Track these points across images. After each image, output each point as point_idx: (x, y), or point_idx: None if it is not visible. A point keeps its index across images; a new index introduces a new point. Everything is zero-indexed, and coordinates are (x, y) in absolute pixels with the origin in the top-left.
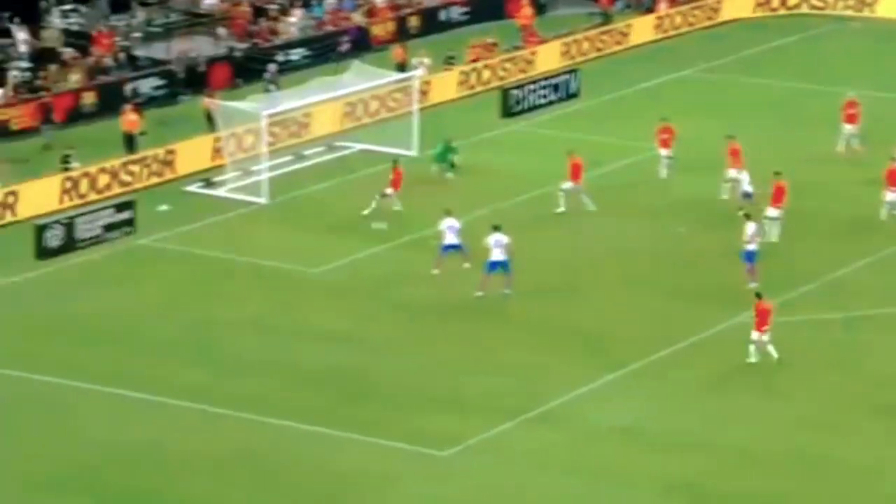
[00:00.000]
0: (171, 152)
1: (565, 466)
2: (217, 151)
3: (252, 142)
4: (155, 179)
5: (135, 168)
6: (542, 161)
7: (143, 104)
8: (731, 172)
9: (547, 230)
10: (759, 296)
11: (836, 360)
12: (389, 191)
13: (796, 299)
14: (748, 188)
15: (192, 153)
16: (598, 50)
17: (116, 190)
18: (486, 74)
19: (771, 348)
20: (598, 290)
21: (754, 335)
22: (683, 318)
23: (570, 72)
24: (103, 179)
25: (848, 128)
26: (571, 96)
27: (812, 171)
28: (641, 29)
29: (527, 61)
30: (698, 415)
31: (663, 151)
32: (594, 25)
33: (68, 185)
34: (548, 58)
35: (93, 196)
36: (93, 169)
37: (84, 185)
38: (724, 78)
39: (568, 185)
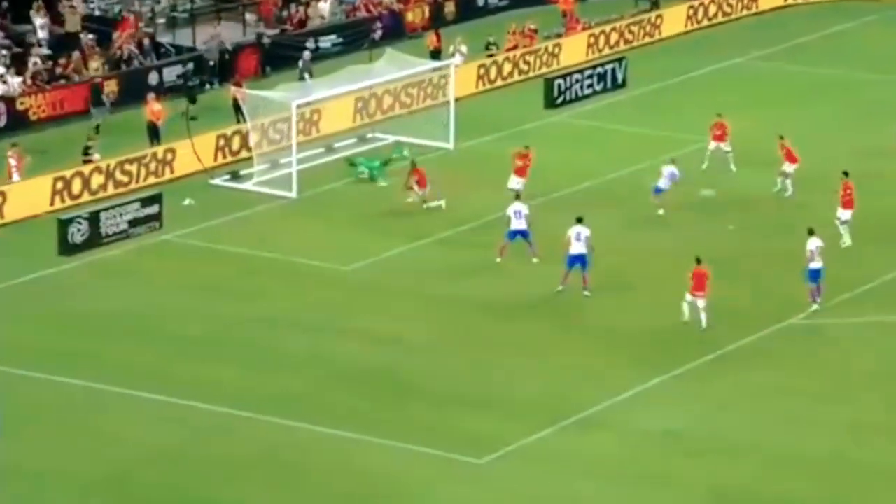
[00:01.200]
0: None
1: (609, 473)
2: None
3: (280, 133)
4: (152, 179)
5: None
6: (588, 154)
7: (168, 91)
8: (786, 167)
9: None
10: (698, 261)
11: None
12: (414, 193)
13: (857, 299)
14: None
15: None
16: (649, 36)
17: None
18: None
19: (703, 316)
20: (648, 289)
21: (688, 297)
22: (731, 320)
23: (617, 60)
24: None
25: None
26: (618, 86)
27: (869, 164)
28: (683, 16)
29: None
30: (747, 419)
31: (722, 145)
32: (641, 11)
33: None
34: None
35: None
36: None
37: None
38: (775, 66)
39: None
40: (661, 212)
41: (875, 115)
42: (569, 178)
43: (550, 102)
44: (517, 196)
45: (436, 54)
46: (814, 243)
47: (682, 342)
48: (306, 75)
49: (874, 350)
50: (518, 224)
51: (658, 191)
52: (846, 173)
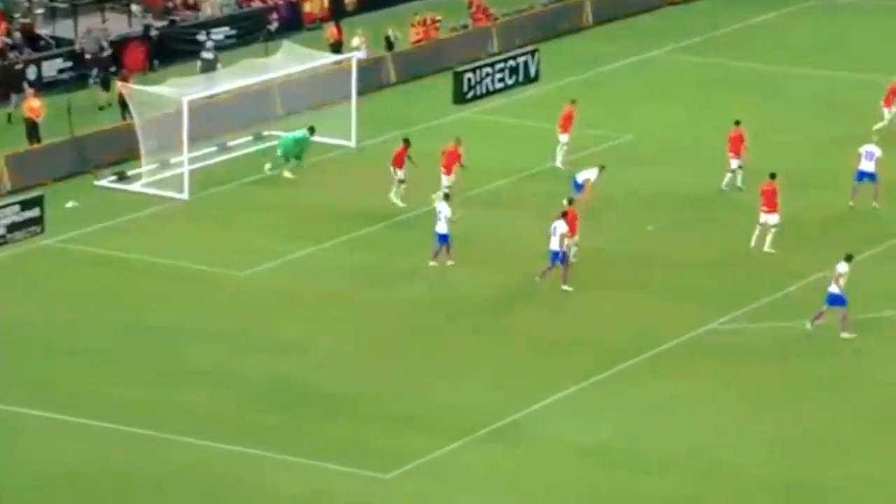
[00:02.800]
0: None
1: (521, 489)
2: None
3: (170, 131)
4: None
5: None
6: (499, 151)
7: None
8: (732, 162)
9: (510, 227)
10: (565, 211)
11: (825, 371)
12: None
13: (778, 304)
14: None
15: None
16: (558, 27)
17: None
18: None
19: (567, 287)
20: (561, 292)
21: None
22: (654, 323)
23: (529, 53)
24: None
25: (887, 112)
26: (530, 80)
27: (789, 163)
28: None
29: None
30: (666, 429)
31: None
32: (552, 1)
33: None
34: None
35: None
36: None
37: None
38: (691, 59)
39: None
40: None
41: (793, 111)
42: (480, 176)
43: (460, 97)
44: (446, 197)
45: (336, 47)
46: (842, 267)
47: (598, 350)
48: (219, 66)
49: (795, 356)
50: (440, 227)
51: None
52: (773, 175)
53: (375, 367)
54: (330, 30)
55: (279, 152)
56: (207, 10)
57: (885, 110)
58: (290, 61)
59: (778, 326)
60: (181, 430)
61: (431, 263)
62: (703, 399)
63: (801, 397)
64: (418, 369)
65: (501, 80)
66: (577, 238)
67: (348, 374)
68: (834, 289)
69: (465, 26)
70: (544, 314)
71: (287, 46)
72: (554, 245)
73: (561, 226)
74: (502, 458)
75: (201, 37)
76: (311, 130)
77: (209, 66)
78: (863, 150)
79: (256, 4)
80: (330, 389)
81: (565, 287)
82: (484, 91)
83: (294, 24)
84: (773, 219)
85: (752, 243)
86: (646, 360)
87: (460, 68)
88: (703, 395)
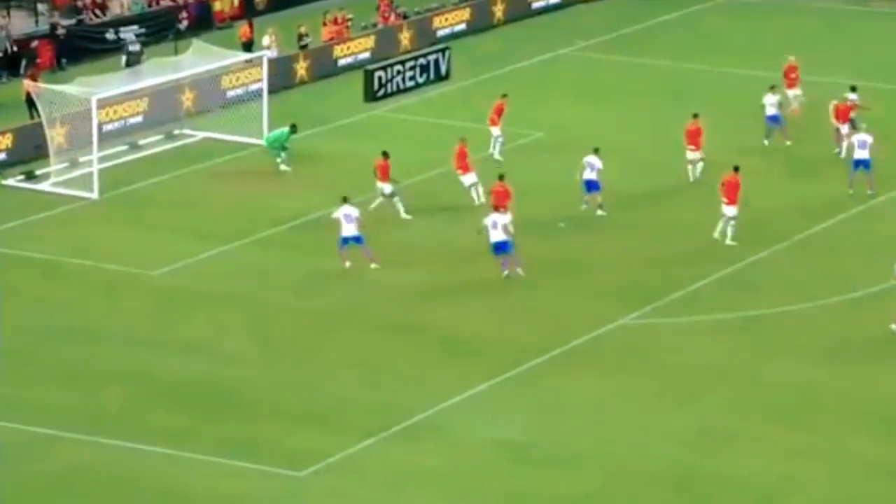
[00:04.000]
0: None
1: (438, 484)
2: None
3: (79, 129)
4: None
5: None
6: (409, 149)
7: None
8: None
9: (420, 225)
10: (501, 177)
11: (729, 365)
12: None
13: (688, 298)
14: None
15: None
16: (470, 24)
17: None
18: None
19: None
20: (473, 290)
21: (491, 218)
22: (564, 320)
23: (440, 51)
24: None
25: (791, 92)
26: (441, 78)
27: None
28: (520, 2)
29: None
30: (581, 424)
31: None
32: (463, 0)
33: None
34: None
35: None
36: None
37: None
38: (603, 57)
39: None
40: (600, 212)
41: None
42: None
43: (371, 95)
44: (344, 199)
45: (248, 46)
46: None
47: (509, 347)
48: (144, 58)
49: (707, 350)
50: (349, 230)
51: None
52: (736, 168)
53: (286, 366)
54: (241, 28)
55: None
56: (116, 9)
57: (788, 91)
58: (200, 60)
59: (684, 322)
60: (89, 429)
61: (347, 265)
62: (611, 395)
63: (704, 393)
64: (329, 368)
65: (412, 78)
66: (510, 216)
67: (259, 374)
68: None
69: (375, 24)
70: (454, 313)
71: (197, 45)
72: (497, 236)
73: (501, 217)
74: (416, 454)
75: (110, 35)
76: (293, 128)
77: (135, 60)
78: (855, 139)
79: (166, 3)
80: (241, 389)
81: (520, 271)
82: (395, 89)
83: (204, 22)
84: (730, 211)
85: (715, 234)
86: (556, 356)
87: (371, 66)
88: (612, 391)
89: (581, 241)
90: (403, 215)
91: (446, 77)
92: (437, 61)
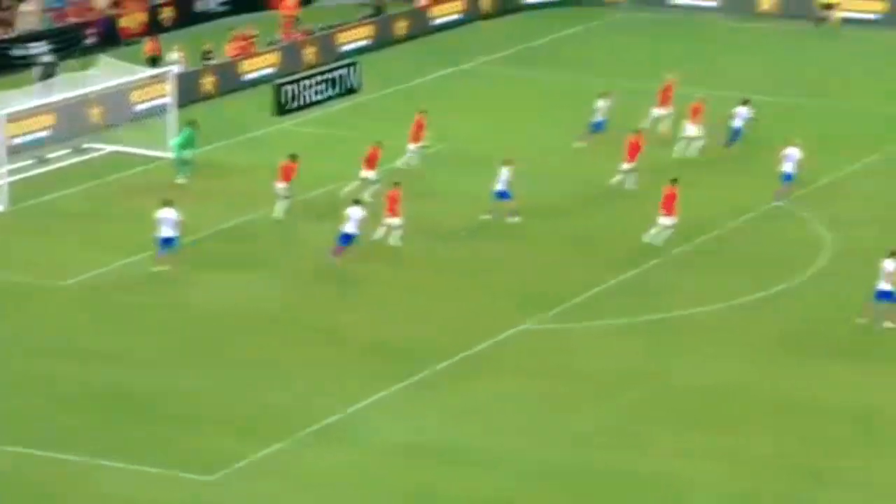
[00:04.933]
0: None
1: (347, 488)
2: None
3: None
4: None
5: None
6: (318, 162)
7: None
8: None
9: (327, 235)
10: (396, 184)
11: (633, 367)
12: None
13: (590, 303)
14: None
15: None
16: (373, 40)
17: None
18: None
19: (397, 236)
20: (381, 295)
21: (387, 221)
22: (470, 324)
23: (349, 65)
24: None
25: (663, 110)
26: (350, 91)
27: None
28: (422, 19)
29: None
30: (489, 427)
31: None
32: (366, 16)
33: None
34: None
35: None
36: None
37: None
38: (506, 71)
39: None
40: (512, 219)
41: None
42: (298, 186)
43: (280, 109)
44: (166, 202)
45: (154, 61)
46: (891, 265)
47: (417, 351)
48: (58, 69)
49: (612, 353)
50: (166, 231)
51: (502, 195)
52: (674, 180)
53: (197, 371)
54: (148, 44)
55: (176, 155)
56: (23, 25)
57: (657, 110)
58: (107, 75)
59: (589, 325)
60: None
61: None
62: (518, 398)
63: (611, 394)
64: (239, 373)
65: (320, 92)
66: (400, 220)
67: (169, 380)
68: (884, 286)
69: (279, 41)
70: (363, 317)
71: (104, 60)
72: (350, 228)
73: (356, 212)
74: (327, 457)
75: (18, 51)
76: (192, 124)
77: (48, 73)
78: (785, 152)
79: (72, 19)
80: (149, 394)
81: (335, 260)
82: (303, 103)
83: (111, 38)
84: (668, 221)
85: (647, 239)
86: (463, 360)
87: (279, 80)
88: (519, 393)
89: (486, 248)
90: (279, 215)
91: (355, 91)
92: (345, 75)
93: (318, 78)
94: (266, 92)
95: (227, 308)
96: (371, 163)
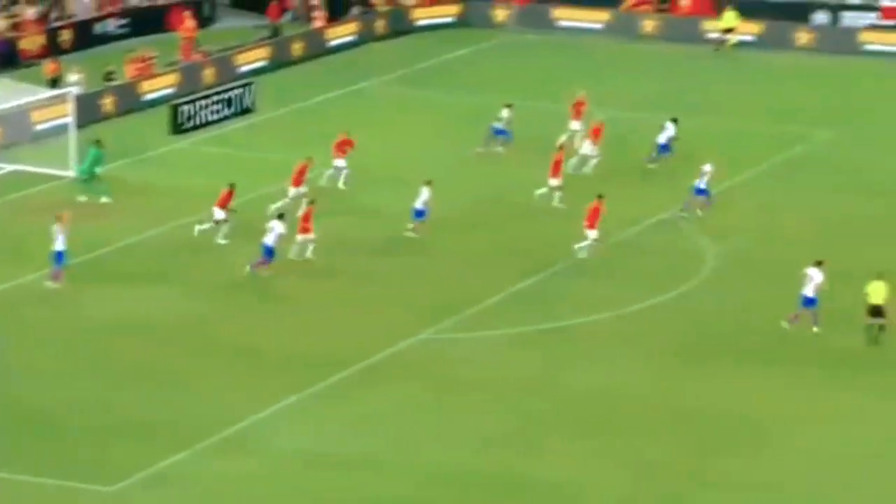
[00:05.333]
0: None
1: (246, 497)
2: None
3: None
4: None
5: None
6: (214, 180)
7: None
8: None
9: (222, 251)
10: (311, 202)
11: (529, 375)
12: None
13: (483, 313)
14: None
15: None
16: (270, 61)
17: None
18: None
19: (310, 250)
20: (281, 306)
21: (299, 237)
22: (366, 335)
23: (244, 86)
24: None
25: (575, 123)
26: (246, 111)
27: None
28: (317, 40)
29: None
30: (386, 435)
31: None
32: (262, 38)
33: None
34: None
35: None
36: None
37: None
38: (399, 91)
39: None
40: (410, 233)
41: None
42: (195, 204)
43: (176, 128)
44: (58, 218)
45: (55, 82)
46: (816, 273)
47: (318, 358)
48: None
49: (506, 362)
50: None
51: (420, 214)
52: (601, 196)
53: (94, 383)
54: (49, 65)
55: (83, 177)
56: None
57: (572, 123)
58: (7, 96)
59: (485, 335)
60: None
61: (245, 272)
62: (416, 406)
63: (506, 402)
64: (138, 385)
65: (216, 112)
66: (313, 235)
67: (67, 392)
68: (808, 292)
69: (178, 62)
70: (264, 328)
71: (4, 82)
72: (268, 240)
73: (278, 226)
74: (229, 466)
75: None
76: (98, 143)
77: None
78: (704, 167)
79: None
80: (49, 406)
81: (250, 269)
82: (200, 122)
83: (10, 60)
84: (590, 234)
85: (580, 255)
86: (362, 369)
87: (176, 101)
88: (416, 401)
89: (384, 261)
90: (221, 240)
91: (250, 111)
92: (241, 95)
93: (214, 98)
94: (164, 112)
95: (129, 321)
96: (299, 178)
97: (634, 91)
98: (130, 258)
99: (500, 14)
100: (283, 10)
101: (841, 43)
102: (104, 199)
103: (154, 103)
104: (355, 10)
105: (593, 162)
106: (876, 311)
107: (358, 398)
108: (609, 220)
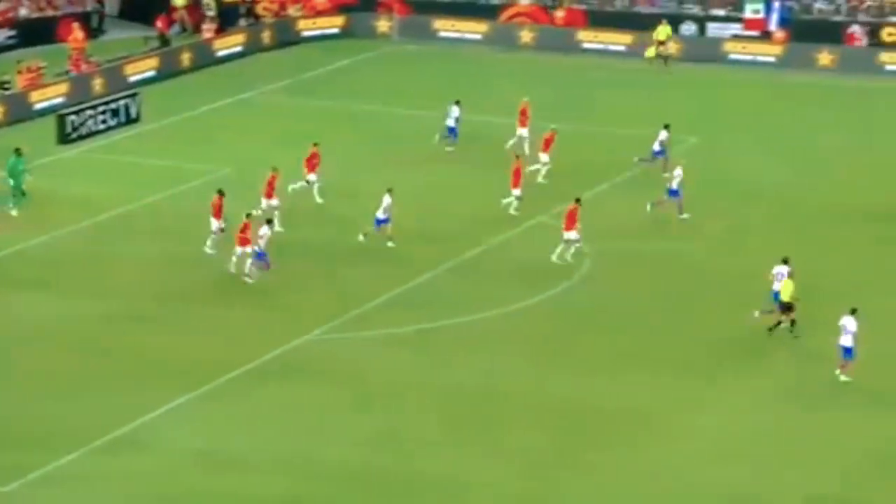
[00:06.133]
0: None
1: (137, 495)
2: None
3: None
4: None
5: None
6: (105, 187)
7: None
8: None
9: (116, 257)
10: (248, 215)
11: (410, 373)
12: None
13: (367, 315)
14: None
15: None
16: (159, 71)
17: None
18: None
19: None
20: (170, 310)
21: (238, 250)
22: (257, 337)
23: (130, 96)
24: None
25: (521, 130)
26: (132, 121)
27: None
28: (206, 51)
29: None
30: (277, 433)
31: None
32: (152, 49)
33: None
34: None
35: None
36: None
37: None
38: (285, 100)
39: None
40: (390, 244)
41: (370, 142)
42: (84, 211)
43: (63, 138)
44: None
45: None
46: (779, 269)
47: (206, 360)
48: None
49: (388, 361)
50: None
51: (381, 222)
52: (578, 200)
53: None
54: None
55: (13, 185)
56: None
57: (519, 130)
58: None
59: (363, 336)
60: None
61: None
62: (302, 405)
63: (387, 400)
64: (28, 388)
65: (104, 121)
66: (250, 248)
67: None
68: (777, 287)
69: (68, 72)
70: (152, 330)
71: None
72: (209, 249)
73: (266, 231)
74: (120, 465)
75: None
76: (18, 151)
77: None
78: (675, 172)
79: None
80: None
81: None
82: (87, 132)
83: None
84: (569, 235)
85: (553, 258)
86: (250, 370)
87: (63, 111)
88: (303, 401)
89: (288, 267)
90: (209, 250)
91: (137, 120)
92: (127, 105)
93: (102, 108)
94: (52, 122)
95: (17, 327)
96: (270, 190)
97: (513, 99)
98: (18, 265)
99: (383, 25)
100: (172, 22)
101: (707, 52)
102: (13, 212)
103: (44, 113)
104: (243, 22)
105: (544, 170)
106: (786, 307)
107: (245, 398)
108: (490, 223)
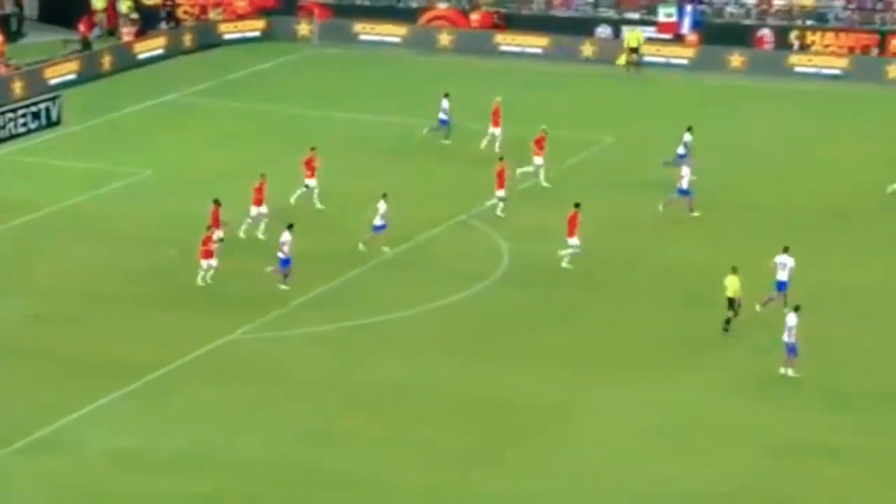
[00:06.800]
0: None
1: (57, 495)
2: None
3: None
4: None
5: None
6: (27, 188)
7: None
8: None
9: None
10: (208, 228)
11: (330, 371)
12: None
13: (291, 314)
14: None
15: None
16: (80, 74)
17: None
18: None
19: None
20: (90, 312)
21: (203, 263)
22: (180, 336)
23: (51, 99)
24: None
25: (494, 129)
26: (53, 124)
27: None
28: (126, 53)
29: None
30: (199, 432)
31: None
32: (72, 52)
33: None
34: None
35: None
36: None
37: None
38: (207, 102)
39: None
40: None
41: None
42: (7, 213)
43: None
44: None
45: None
46: (782, 259)
47: (128, 361)
48: None
49: (310, 359)
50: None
51: (378, 229)
52: (577, 204)
53: None
54: None
55: None
56: None
57: (493, 129)
58: None
59: (289, 334)
60: None
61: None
62: (224, 403)
63: (309, 396)
64: None
65: (24, 124)
66: (216, 262)
67: None
68: (781, 276)
69: None
70: (72, 332)
71: None
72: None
73: (286, 235)
74: (38, 467)
75: None
76: None
77: None
78: (682, 172)
79: None
80: None
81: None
82: (7, 135)
83: None
84: (572, 241)
85: (564, 263)
86: (173, 370)
87: None
88: (225, 399)
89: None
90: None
91: (57, 123)
92: (47, 108)
93: (21, 111)
94: None
95: None
96: (259, 197)
97: (433, 100)
98: None
99: (304, 28)
100: (94, 25)
101: (621, 54)
102: None
103: None
104: (163, 25)
105: (541, 172)
106: (731, 303)
107: (168, 398)
108: (411, 222)
